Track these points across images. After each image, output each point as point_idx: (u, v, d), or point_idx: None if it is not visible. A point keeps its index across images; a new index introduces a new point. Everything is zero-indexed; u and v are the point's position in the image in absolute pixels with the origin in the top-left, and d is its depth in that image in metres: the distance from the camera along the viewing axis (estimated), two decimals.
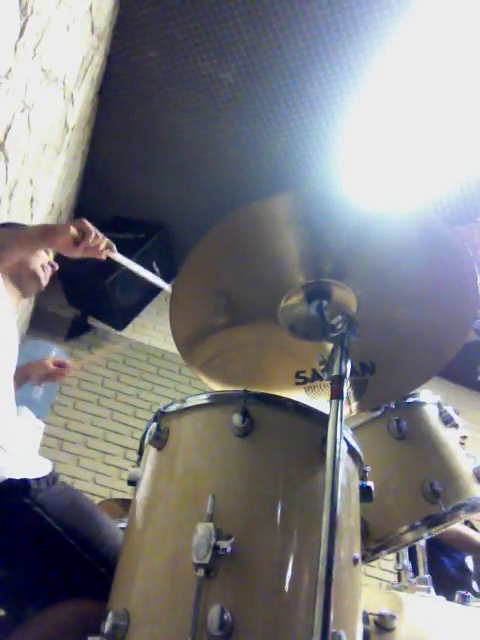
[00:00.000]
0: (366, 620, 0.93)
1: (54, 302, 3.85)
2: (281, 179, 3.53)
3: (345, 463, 0.94)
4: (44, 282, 1.62)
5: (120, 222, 4.01)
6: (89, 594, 1.08)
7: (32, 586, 1.14)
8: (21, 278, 1.55)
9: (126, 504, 1.84)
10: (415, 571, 1.57)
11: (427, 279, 1.06)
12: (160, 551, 0.83)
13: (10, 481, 1.14)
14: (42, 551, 1.13)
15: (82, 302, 3.90)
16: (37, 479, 1.18)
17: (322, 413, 0.94)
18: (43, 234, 1.40)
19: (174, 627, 0.75)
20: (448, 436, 1.40)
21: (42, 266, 1.60)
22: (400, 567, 1.54)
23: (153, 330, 4.14)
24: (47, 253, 1.64)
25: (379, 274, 1.08)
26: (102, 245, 1.39)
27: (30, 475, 1.17)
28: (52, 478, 1.23)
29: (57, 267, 1.67)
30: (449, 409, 1.43)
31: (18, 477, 1.15)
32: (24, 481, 1.14)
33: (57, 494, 1.18)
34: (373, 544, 1.28)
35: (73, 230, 1.33)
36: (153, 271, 3.85)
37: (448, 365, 1.15)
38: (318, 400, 1.19)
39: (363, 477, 1.01)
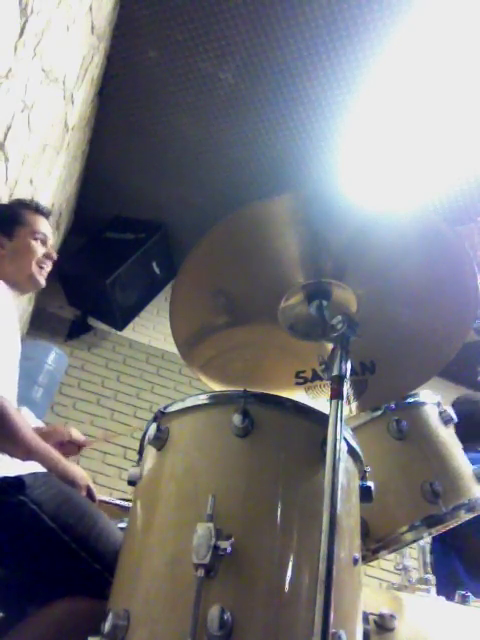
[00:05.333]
0: (366, 620, 0.93)
1: (54, 302, 3.85)
2: (281, 179, 3.53)
3: (345, 463, 0.94)
4: (42, 281, 1.59)
5: (120, 222, 4.01)
6: (84, 591, 1.08)
7: (28, 584, 1.15)
8: (17, 283, 1.54)
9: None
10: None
11: (427, 279, 1.07)
12: (160, 551, 0.83)
13: (5, 479, 1.14)
14: (37, 548, 1.13)
15: (82, 302, 3.90)
16: (34, 474, 1.18)
17: (322, 413, 0.93)
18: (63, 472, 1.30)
19: (174, 627, 0.74)
20: (448, 436, 1.39)
21: (38, 263, 1.57)
22: (401, 567, 1.54)
23: (153, 330, 4.14)
24: (44, 245, 1.60)
25: (379, 274, 1.08)
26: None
27: (24, 472, 1.17)
28: (46, 475, 1.23)
29: (56, 257, 1.63)
30: (449, 409, 1.43)
31: (13, 475, 1.15)
32: (19, 478, 1.15)
33: (51, 491, 1.18)
34: (373, 544, 1.27)
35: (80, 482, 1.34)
36: (153, 271, 3.87)
37: (448, 365, 1.15)
38: (318, 400, 1.19)
39: (363, 477, 1.01)
